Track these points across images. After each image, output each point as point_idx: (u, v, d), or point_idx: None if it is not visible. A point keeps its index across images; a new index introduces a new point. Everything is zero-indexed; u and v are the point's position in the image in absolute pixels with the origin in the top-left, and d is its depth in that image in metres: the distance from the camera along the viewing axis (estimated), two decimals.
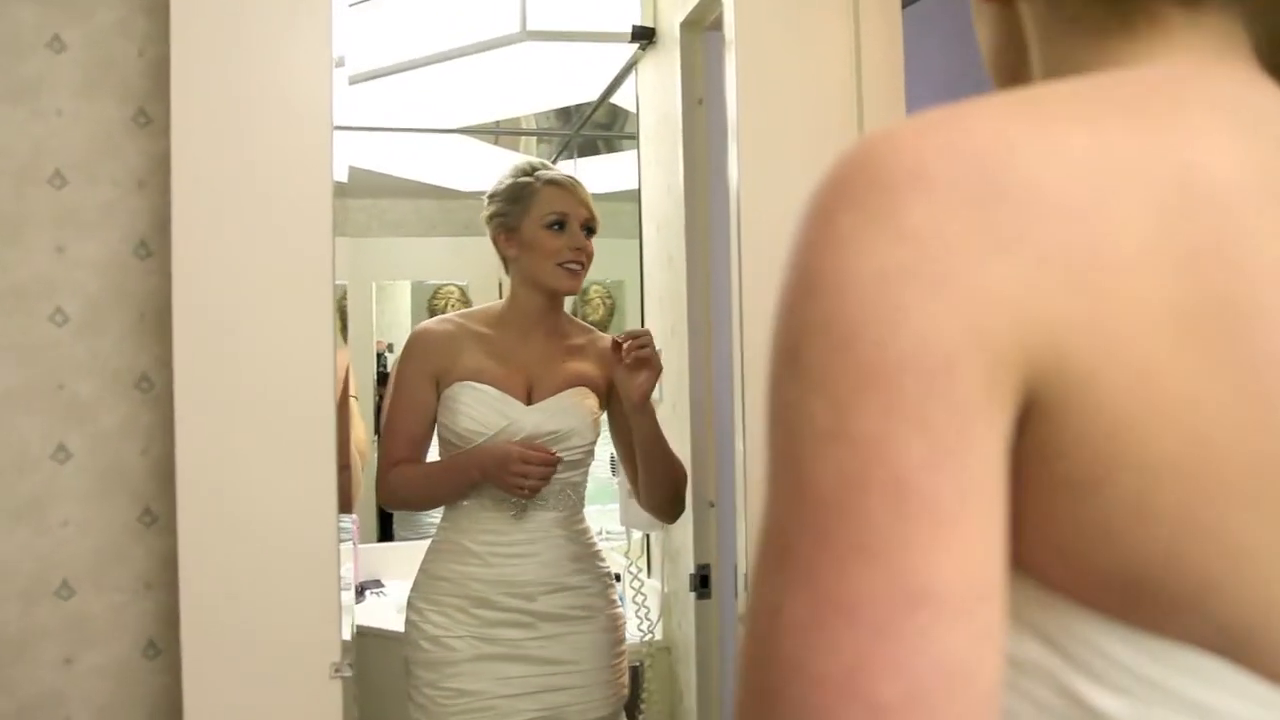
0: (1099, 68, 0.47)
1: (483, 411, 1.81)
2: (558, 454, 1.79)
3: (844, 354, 0.37)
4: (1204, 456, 0.38)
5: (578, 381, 1.88)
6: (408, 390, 1.86)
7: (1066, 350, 0.37)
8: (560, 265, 1.84)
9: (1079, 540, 0.40)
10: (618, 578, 2.01)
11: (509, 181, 1.90)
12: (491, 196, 1.91)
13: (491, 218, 1.90)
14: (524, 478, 1.74)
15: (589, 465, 1.92)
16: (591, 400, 1.89)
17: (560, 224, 1.85)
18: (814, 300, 0.38)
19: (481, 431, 1.81)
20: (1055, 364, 0.37)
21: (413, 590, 1.88)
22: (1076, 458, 0.38)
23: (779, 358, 0.39)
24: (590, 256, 1.87)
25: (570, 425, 1.83)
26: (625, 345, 1.81)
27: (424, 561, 1.89)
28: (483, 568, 1.81)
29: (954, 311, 0.37)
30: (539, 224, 1.85)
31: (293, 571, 1.64)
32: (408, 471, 1.85)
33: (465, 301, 3.94)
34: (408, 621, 1.86)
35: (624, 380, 1.82)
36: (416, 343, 1.89)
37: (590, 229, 1.88)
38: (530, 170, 1.90)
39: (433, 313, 3.90)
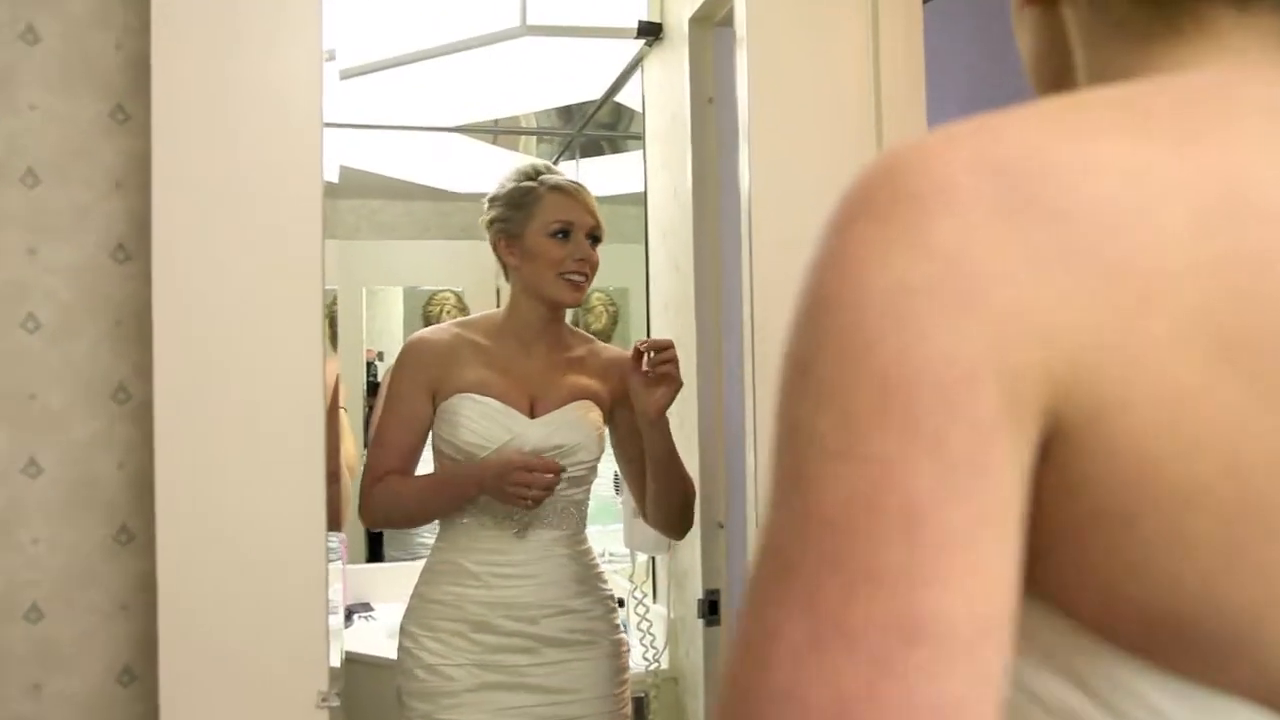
0: (1145, 73, 0.47)
1: (485, 425, 1.81)
2: (562, 466, 1.78)
3: (858, 368, 0.37)
4: (1243, 484, 0.37)
5: (581, 395, 1.88)
6: (402, 401, 1.86)
7: (1094, 368, 0.37)
8: (563, 276, 1.84)
9: (1111, 573, 0.39)
10: (621, 603, 2.00)
11: (511, 185, 1.89)
12: (492, 200, 1.91)
13: (492, 223, 1.90)
14: (526, 487, 1.73)
15: (593, 482, 1.92)
16: (596, 414, 1.89)
17: (564, 232, 1.84)
18: (830, 313, 0.38)
19: (484, 445, 1.81)
20: (1083, 384, 0.37)
21: (406, 615, 1.87)
22: (1106, 486, 0.38)
23: (790, 371, 0.40)
24: (595, 267, 1.87)
25: (576, 439, 1.83)
26: (649, 356, 1.80)
27: (418, 584, 1.88)
28: (482, 589, 1.80)
29: (978, 328, 0.37)
30: (542, 232, 1.84)
31: (278, 594, 1.64)
32: (396, 485, 1.84)
33: (462, 308, 3.94)
34: (401, 649, 1.85)
35: (641, 393, 1.81)
36: (412, 352, 1.89)
37: (596, 238, 1.88)
38: (534, 174, 1.90)
39: (427, 320, 3.90)
